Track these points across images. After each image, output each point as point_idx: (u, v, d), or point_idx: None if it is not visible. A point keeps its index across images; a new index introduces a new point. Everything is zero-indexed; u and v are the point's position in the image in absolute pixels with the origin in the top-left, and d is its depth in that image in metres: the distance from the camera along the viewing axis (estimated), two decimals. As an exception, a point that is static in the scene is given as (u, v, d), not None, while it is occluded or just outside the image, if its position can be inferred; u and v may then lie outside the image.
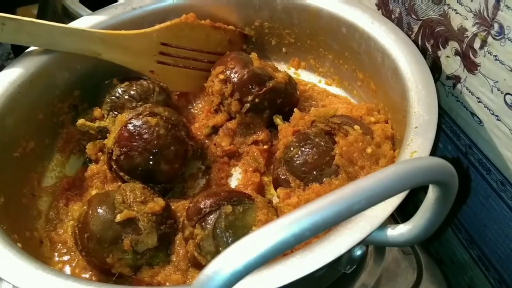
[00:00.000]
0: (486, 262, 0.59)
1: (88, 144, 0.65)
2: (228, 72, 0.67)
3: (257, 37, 0.81)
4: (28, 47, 0.68)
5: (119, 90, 0.67)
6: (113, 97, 0.67)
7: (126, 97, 0.67)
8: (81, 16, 0.82)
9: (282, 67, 0.80)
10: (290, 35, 0.78)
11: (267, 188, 0.64)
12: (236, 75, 0.66)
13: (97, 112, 0.66)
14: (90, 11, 0.86)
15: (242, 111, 0.66)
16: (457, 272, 0.66)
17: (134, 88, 0.67)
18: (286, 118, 0.65)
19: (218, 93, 0.68)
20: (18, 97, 0.63)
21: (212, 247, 0.49)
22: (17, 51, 0.91)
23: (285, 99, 0.67)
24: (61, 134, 0.70)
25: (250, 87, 0.65)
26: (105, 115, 0.66)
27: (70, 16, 0.90)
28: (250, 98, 0.65)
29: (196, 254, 0.50)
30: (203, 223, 0.51)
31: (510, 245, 0.54)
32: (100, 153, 0.65)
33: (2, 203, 0.56)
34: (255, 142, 0.67)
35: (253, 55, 0.70)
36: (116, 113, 0.65)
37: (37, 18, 1.14)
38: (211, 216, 0.50)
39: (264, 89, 0.65)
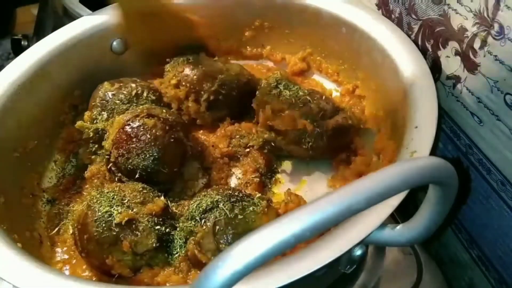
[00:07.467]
0: (486, 262, 0.59)
1: (80, 149, 0.67)
2: (178, 76, 0.68)
3: (257, 37, 0.81)
4: (28, 47, 0.68)
5: (109, 94, 0.67)
6: (103, 101, 0.67)
7: (116, 100, 0.66)
8: (81, 16, 0.81)
9: (282, 67, 0.80)
10: (290, 35, 0.78)
11: (267, 188, 0.64)
12: (187, 78, 0.68)
13: (86, 115, 0.66)
14: (90, 11, 0.85)
15: (201, 111, 0.68)
16: (457, 272, 0.66)
17: (123, 91, 0.67)
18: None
19: (175, 98, 0.69)
20: (18, 97, 0.63)
21: (213, 244, 0.49)
22: (17, 51, 0.91)
23: (239, 89, 0.69)
24: (61, 134, 0.70)
25: (204, 85, 0.67)
26: (96, 118, 0.66)
27: (70, 16, 0.90)
28: (205, 96, 0.67)
29: (196, 252, 0.50)
30: (203, 221, 0.51)
31: (510, 245, 0.54)
32: (94, 156, 0.65)
33: (2, 203, 0.56)
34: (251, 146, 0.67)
35: (202, 55, 0.72)
36: (106, 116, 0.65)
37: (37, 18, 1.14)
38: (211, 214, 0.51)
39: (215, 84, 0.67)
